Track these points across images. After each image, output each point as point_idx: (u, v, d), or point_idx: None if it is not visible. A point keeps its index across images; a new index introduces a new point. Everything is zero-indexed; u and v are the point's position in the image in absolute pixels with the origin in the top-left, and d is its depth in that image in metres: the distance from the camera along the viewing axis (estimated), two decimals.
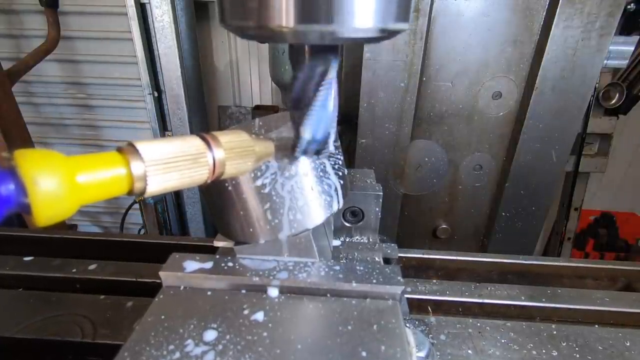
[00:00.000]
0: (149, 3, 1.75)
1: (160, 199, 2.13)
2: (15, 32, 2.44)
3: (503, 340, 0.63)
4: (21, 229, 1.05)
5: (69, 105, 2.64)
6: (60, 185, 0.24)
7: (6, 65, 1.91)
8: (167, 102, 1.95)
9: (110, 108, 2.62)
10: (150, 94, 1.95)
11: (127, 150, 0.29)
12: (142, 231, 2.35)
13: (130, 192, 0.29)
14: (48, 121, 2.69)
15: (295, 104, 0.44)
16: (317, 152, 0.46)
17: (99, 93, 2.58)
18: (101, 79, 2.53)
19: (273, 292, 0.47)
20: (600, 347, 0.62)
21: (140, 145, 0.30)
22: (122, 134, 2.68)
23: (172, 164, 0.31)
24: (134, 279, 0.80)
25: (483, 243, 1.61)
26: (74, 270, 0.82)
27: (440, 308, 0.75)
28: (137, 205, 2.37)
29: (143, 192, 0.30)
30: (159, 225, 2.20)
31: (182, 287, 0.48)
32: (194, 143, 0.34)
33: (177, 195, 2.24)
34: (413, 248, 0.88)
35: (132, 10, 1.77)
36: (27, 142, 1.97)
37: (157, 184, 0.30)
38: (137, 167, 0.29)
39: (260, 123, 0.54)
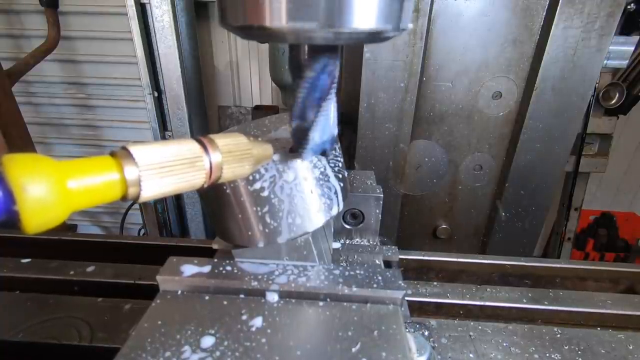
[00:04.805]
0: (149, 3, 1.74)
1: (161, 200, 2.13)
2: (15, 32, 2.43)
3: (505, 344, 0.62)
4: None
5: (69, 105, 2.64)
6: (50, 191, 0.23)
7: (6, 65, 1.90)
8: (167, 102, 1.94)
9: (110, 108, 2.62)
10: (150, 94, 1.94)
11: (121, 154, 0.28)
12: (142, 231, 2.34)
13: (124, 198, 0.28)
14: (48, 121, 2.69)
15: (299, 107, 0.43)
16: (323, 153, 0.47)
17: (99, 93, 2.58)
18: (101, 79, 2.53)
19: (272, 296, 0.47)
20: (602, 351, 0.61)
21: (134, 149, 0.29)
22: (122, 134, 2.68)
23: (167, 168, 0.30)
24: (133, 282, 0.80)
25: (483, 243, 1.60)
26: (72, 272, 0.81)
27: (441, 311, 0.74)
28: (137, 206, 2.36)
29: (137, 197, 0.29)
30: (159, 226, 2.20)
31: (179, 292, 0.47)
32: (190, 146, 0.33)
33: (178, 195, 2.24)
34: (413, 248, 0.87)
35: (132, 10, 1.76)
36: (27, 142, 1.96)
37: (152, 189, 0.29)
38: (130, 172, 0.28)
39: (259, 125, 0.53)
